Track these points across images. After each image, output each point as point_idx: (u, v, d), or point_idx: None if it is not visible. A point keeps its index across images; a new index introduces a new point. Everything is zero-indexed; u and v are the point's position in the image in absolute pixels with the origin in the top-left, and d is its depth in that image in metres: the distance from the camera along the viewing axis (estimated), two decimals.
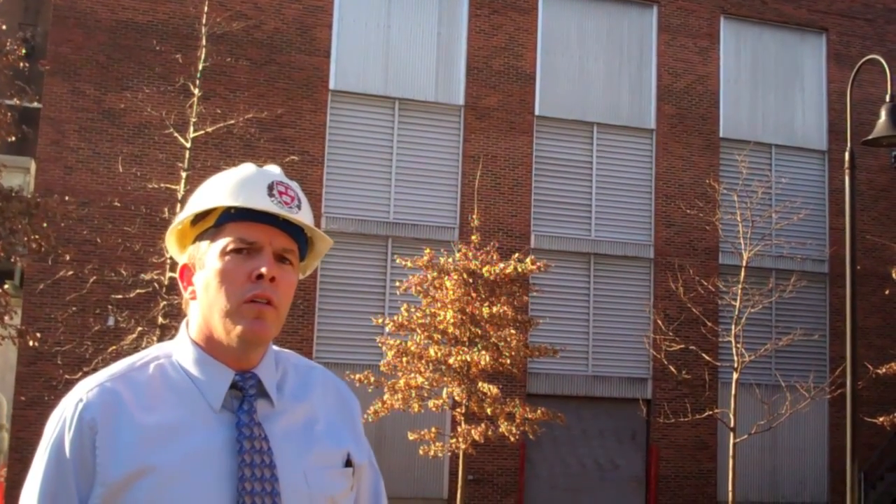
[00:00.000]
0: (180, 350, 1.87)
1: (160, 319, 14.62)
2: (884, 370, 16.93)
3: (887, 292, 19.10)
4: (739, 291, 16.11)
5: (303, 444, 1.86)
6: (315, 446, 1.87)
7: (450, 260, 14.50)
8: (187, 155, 15.32)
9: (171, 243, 1.95)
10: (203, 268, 1.85)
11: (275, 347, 1.94)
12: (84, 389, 1.79)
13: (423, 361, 14.06)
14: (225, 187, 1.86)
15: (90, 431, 1.74)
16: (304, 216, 1.87)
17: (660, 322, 18.90)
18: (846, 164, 12.00)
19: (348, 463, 1.91)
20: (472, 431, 14.01)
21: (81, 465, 1.74)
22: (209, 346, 1.85)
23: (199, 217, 1.88)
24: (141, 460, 1.72)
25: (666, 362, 18.16)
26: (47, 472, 1.76)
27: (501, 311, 14.03)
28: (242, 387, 1.83)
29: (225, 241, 1.82)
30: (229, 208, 1.83)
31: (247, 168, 1.91)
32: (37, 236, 13.34)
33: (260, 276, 1.79)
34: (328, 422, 1.92)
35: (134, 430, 1.75)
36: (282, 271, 1.83)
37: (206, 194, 1.88)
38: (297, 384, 1.94)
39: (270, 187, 1.85)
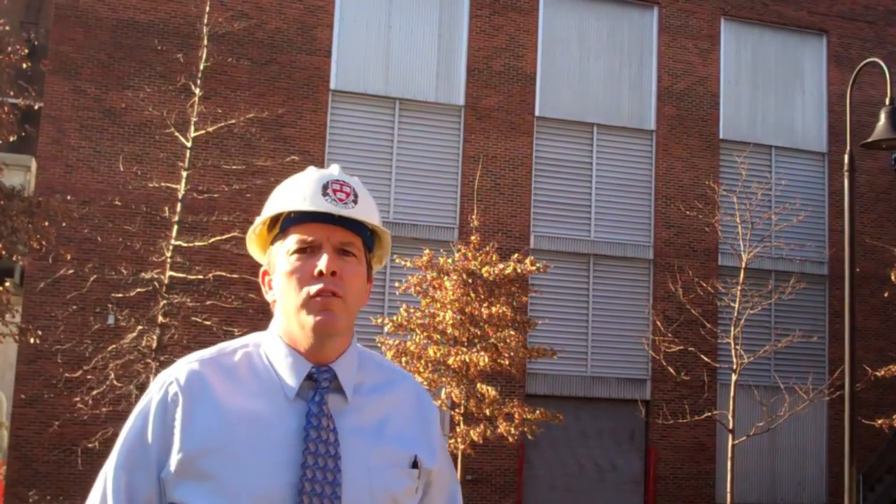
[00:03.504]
0: (267, 341, 2.02)
1: (160, 318, 14.64)
2: (882, 372, 16.95)
3: (886, 294, 19.11)
4: (739, 293, 16.12)
5: (370, 441, 1.96)
6: (382, 444, 1.97)
7: (449, 260, 14.51)
8: (188, 154, 15.34)
9: (252, 248, 2.12)
10: (276, 271, 2.01)
11: (360, 347, 2.07)
12: (176, 368, 1.98)
13: (422, 362, 14.06)
14: (287, 194, 2.02)
15: (173, 405, 1.91)
16: (359, 210, 2.00)
17: (659, 323, 18.90)
18: (846, 167, 12.02)
19: (415, 465, 1.99)
20: (471, 432, 14.01)
21: (162, 434, 1.91)
22: (290, 341, 1.99)
23: (272, 224, 2.05)
24: (213, 437, 1.87)
25: (665, 363, 18.17)
26: (129, 435, 1.95)
27: (500, 311, 14.02)
28: (317, 379, 1.95)
29: (289, 244, 1.98)
30: (290, 213, 1.99)
31: (307, 172, 2.05)
32: (38, 235, 13.35)
33: (321, 273, 1.93)
34: (401, 424, 2.02)
35: (212, 409, 1.90)
36: (344, 264, 1.97)
37: (272, 202, 2.04)
38: (378, 384, 2.04)
39: (325, 187, 1.99)
